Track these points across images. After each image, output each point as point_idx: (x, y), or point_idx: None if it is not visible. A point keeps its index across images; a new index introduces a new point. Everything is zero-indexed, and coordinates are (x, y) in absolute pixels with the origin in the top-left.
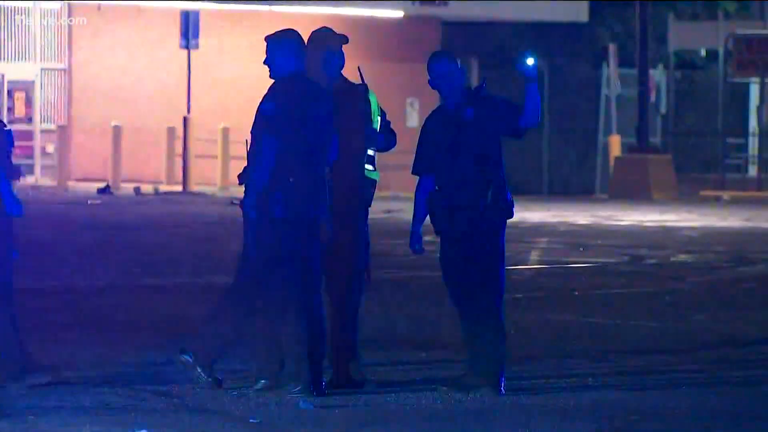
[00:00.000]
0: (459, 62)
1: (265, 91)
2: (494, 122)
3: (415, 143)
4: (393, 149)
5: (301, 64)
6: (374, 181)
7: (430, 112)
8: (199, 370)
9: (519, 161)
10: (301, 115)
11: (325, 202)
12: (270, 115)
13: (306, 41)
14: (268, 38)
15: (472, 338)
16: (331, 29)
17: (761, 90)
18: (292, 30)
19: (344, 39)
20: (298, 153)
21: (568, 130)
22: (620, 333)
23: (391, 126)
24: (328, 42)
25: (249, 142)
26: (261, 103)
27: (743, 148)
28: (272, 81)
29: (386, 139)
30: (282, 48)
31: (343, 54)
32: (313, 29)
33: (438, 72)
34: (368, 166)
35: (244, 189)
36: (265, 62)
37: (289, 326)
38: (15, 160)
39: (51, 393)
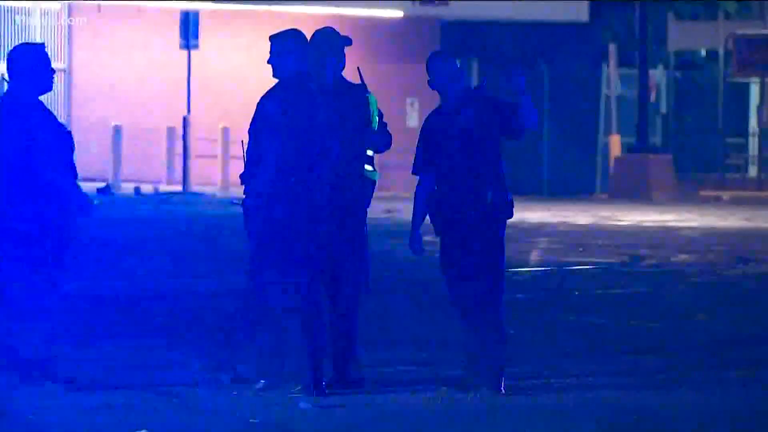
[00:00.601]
0: (458, 62)
1: (264, 91)
2: (493, 123)
3: (415, 143)
4: (389, 149)
5: (304, 65)
6: (374, 182)
7: (429, 112)
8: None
9: (519, 161)
10: (303, 116)
11: (325, 202)
12: (272, 116)
13: (309, 40)
14: (272, 37)
15: (472, 338)
16: (335, 30)
17: (761, 90)
18: (297, 30)
19: (347, 41)
20: (300, 154)
21: (568, 130)
22: (620, 333)
23: (388, 128)
24: (331, 42)
25: (245, 142)
26: (262, 103)
27: (743, 148)
28: (273, 80)
29: (383, 140)
30: (286, 48)
31: (344, 55)
32: (313, 29)
33: (437, 72)
34: (367, 167)
35: (244, 189)
36: (268, 61)
37: (290, 325)
38: None
39: (51, 393)
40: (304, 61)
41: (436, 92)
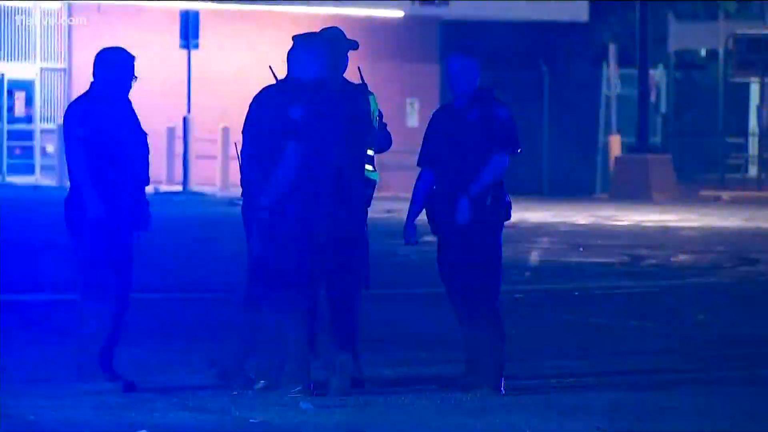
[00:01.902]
0: (477, 63)
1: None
2: (490, 131)
3: (415, 143)
4: (389, 149)
5: (324, 69)
6: (374, 182)
7: (429, 112)
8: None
9: (519, 161)
10: (323, 120)
11: (336, 203)
12: (296, 119)
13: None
14: (295, 38)
15: (471, 338)
16: (341, 31)
17: (761, 90)
18: (319, 33)
19: (353, 45)
20: (319, 156)
21: (568, 130)
22: (620, 333)
23: (388, 128)
24: (337, 43)
25: (239, 144)
26: (282, 105)
27: (743, 148)
28: (272, 80)
29: (383, 140)
30: (308, 50)
31: (347, 57)
32: (314, 29)
33: (452, 69)
34: (368, 167)
35: (242, 192)
36: (288, 61)
37: (290, 326)
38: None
39: (51, 393)
40: (324, 66)
41: (436, 92)
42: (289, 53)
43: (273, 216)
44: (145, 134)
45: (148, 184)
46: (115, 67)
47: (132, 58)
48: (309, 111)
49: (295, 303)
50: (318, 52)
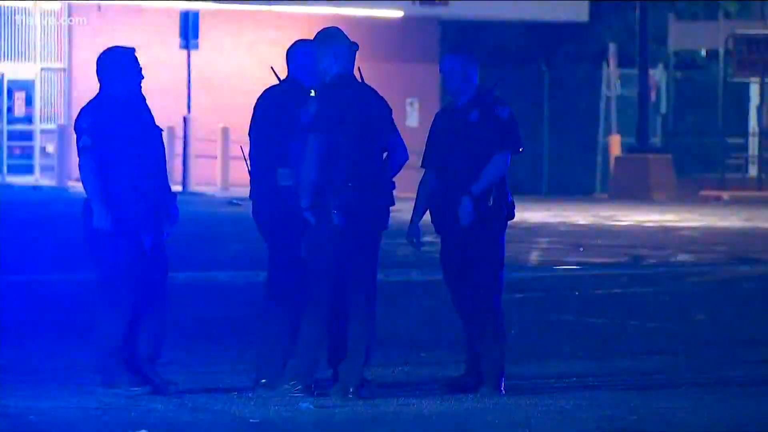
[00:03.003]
0: (475, 62)
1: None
2: (492, 130)
3: (414, 143)
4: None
5: (346, 66)
6: None
7: (429, 111)
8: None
9: (519, 161)
10: (351, 117)
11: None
12: (315, 115)
13: (314, 38)
14: (317, 36)
15: (472, 338)
16: (341, 31)
17: (761, 90)
18: (339, 29)
19: (353, 45)
20: (348, 157)
21: (568, 130)
22: (620, 333)
23: None
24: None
25: (245, 148)
26: (281, 102)
27: (743, 148)
28: (273, 80)
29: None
30: (330, 48)
31: (343, 57)
32: (314, 29)
33: (449, 70)
34: None
35: (250, 196)
36: (294, 59)
37: (308, 322)
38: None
39: (52, 393)
40: (347, 63)
41: (436, 92)
42: (288, 52)
43: (316, 215)
44: (160, 129)
45: (167, 177)
46: (121, 68)
47: (133, 53)
48: (329, 107)
49: (318, 299)
50: (334, 49)
